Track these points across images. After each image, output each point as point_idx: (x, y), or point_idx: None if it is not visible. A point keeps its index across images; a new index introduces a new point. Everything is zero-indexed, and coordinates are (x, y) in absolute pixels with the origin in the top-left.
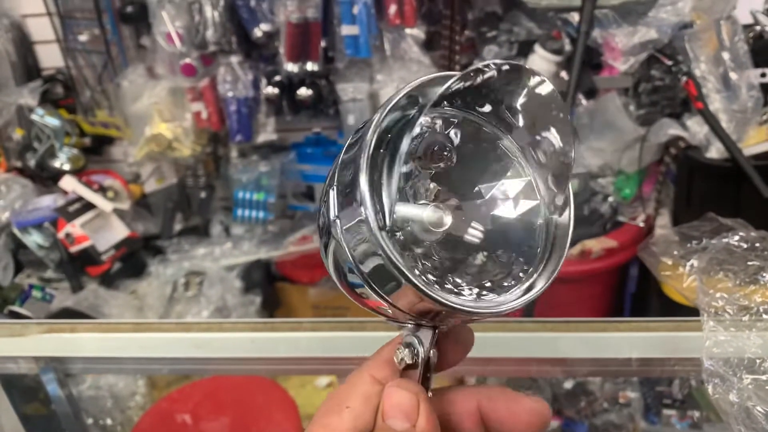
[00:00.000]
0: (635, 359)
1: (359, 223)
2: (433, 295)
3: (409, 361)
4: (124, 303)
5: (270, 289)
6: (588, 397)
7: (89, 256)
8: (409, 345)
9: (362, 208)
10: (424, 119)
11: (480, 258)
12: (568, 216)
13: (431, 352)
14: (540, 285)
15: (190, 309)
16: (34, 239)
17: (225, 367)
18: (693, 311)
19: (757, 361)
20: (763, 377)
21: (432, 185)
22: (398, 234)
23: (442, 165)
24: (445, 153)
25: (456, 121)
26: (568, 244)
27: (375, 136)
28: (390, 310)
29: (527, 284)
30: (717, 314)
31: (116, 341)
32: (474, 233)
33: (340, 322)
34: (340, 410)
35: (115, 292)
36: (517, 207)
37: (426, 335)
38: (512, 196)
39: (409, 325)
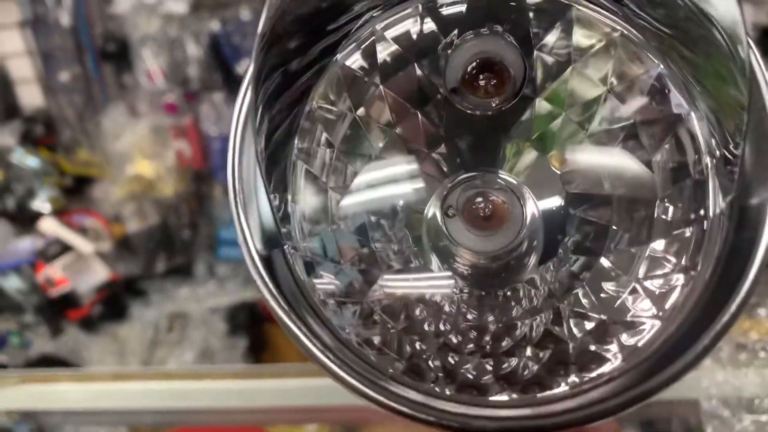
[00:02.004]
0: None
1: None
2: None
3: None
4: (104, 348)
5: (256, 331)
6: None
7: (69, 300)
8: None
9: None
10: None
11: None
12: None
13: None
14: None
15: (172, 353)
16: (12, 283)
17: (209, 417)
18: None
19: (756, 401)
20: (763, 417)
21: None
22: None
23: (495, 102)
24: (494, 77)
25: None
26: (759, 261)
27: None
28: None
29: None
30: (714, 352)
31: (95, 392)
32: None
33: None
34: None
35: (95, 337)
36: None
37: None
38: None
39: None
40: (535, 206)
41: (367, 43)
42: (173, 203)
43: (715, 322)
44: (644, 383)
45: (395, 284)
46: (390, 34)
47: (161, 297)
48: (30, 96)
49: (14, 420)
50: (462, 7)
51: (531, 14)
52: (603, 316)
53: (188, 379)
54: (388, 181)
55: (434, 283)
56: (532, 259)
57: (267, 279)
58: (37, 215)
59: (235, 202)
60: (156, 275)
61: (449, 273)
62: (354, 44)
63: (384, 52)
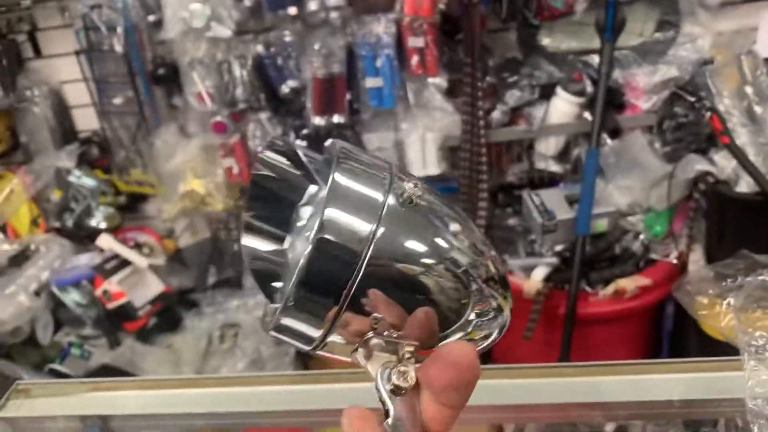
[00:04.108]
0: (677, 401)
1: None
2: None
3: None
4: (160, 358)
5: None
6: None
7: (126, 312)
8: None
9: None
10: None
11: None
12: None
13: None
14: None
15: (225, 362)
16: (72, 297)
17: (265, 420)
18: (733, 348)
19: None
20: None
21: None
22: None
23: None
24: None
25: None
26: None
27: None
28: None
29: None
30: (757, 353)
31: (159, 398)
32: None
33: None
34: None
35: (151, 347)
36: None
37: None
38: None
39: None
40: None
41: None
42: (223, 218)
43: None
44: None
45: None
46: None
47: (213, 308)
48: (86, 120)
49: (87, 425)
50: None
51: None
52: None
53: (245, 385)
54: None
55: None
56: None
57: None
58: (94, 232)
59: None
60: (207, 287)
61: None
62: None
63: None
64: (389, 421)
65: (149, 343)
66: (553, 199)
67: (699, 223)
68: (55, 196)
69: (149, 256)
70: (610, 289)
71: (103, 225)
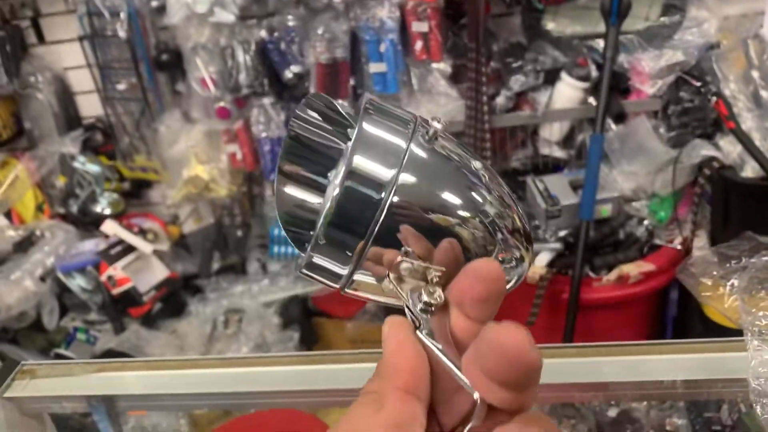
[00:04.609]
0: (680, 382)
1: None
2: None
3: None
4: (165, 343)
5: (307, 324)
6: (633, 425)
7: (131, 298)
8: None
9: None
10: None
11: None
12: None
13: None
14: None
15: (229, 346)
16: (77, 283)
17: (268, 400)
18: (736, 333)
19: None
20: None
21: None
22: None
23: None
24: None
25: None
26: None
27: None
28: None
29: None
30: (761, 333)
31: (164, 378)
32: None
33: (380, 353)
34: None
35: (156, 332)
36: None
37: None
38: None
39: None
40: None
41: None
42: (227, 204)
43: None
44: None
45: None
46: None
47: (217, 294)
48: (90, 106)
49: (92, 405)
50: None
51: None
52: None
53: (249, 366)
54: None
55: None
56: None
57: None
58: (99, 218)
59: None
60: (212, 273)
61: None
62: None
63: None
64: (421, 329)
65: (154, 328)
66: (557, 184)
67: (704, 209)
68: (60, 182)
69: (154, 242)
70: (614, 274)
71: (107, 211)
